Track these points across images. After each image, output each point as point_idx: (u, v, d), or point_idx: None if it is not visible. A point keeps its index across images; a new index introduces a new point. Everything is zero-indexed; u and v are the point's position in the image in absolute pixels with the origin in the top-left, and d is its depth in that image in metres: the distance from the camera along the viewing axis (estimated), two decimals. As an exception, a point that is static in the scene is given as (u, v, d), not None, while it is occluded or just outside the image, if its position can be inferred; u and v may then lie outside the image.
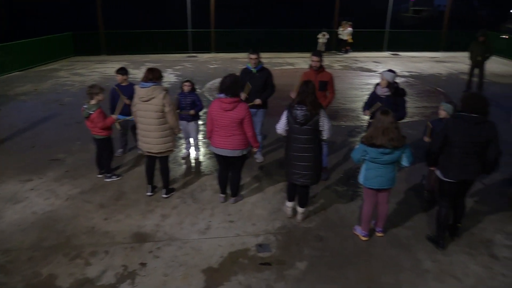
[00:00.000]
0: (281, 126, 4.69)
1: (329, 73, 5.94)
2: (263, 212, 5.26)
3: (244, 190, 5.78)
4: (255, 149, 5.28)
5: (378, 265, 4.30)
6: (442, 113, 5.08)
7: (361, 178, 4.49)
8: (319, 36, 17.88)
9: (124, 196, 5.61)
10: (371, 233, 4.76)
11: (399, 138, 4.14)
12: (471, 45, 11.29)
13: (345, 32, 18.17)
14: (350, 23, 18.18)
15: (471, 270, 4.26)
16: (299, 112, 4.45)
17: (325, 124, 4.53)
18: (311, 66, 5.88)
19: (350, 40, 18.30)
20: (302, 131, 4.52)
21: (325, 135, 4.59)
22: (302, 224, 4.99)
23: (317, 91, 5.77)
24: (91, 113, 5.55)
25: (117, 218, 5.08)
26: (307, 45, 18.02)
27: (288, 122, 4.60)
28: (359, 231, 4.74)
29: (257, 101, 6.03)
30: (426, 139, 5.14)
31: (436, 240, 4.58)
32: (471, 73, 11.49)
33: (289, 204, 5.11)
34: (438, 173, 4.41)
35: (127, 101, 6.10)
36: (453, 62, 16.74)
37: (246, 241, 4.66)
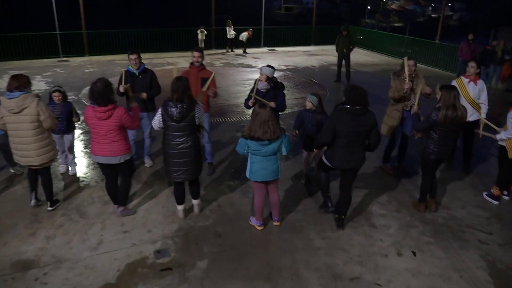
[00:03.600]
0: (156, 123, 4.65)
1: (210, 71, 6.00)
2: (158, 217, 5.13)
3: (136, 197, 5.57)
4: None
5: (275, 251, 4.52)
6: (308, 105, 5.52)
7: (247, 172, 4.63)
8: (198, 32, 17.94)
9: (-3, 223, 4.98)
10: (266, 221, 4.98)
11: (275, 130, 4.31)
12: (336, 38, 12.41)
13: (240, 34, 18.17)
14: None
15: (355, 241, 4.73)
16: (174, 110, 4.43)
17: (201, 118, 4.62)
18: (192, 63, 5.87)
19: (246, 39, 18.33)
20: (179, 128, 4.52)
21: (204, 128, 4.73)
22: (199, 223, 5.00)
23: (200, 88, 5.82)
24: None
25: (-10, 248, 4.49)
26: (186, 43, 17.90)
27: (164, 120, 4.55)
28: (254, 221, 4.92)
29: (144, 95, 5.85)
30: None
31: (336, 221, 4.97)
32: (339, 64, 12.66)
33: (180, 207, 5.07)
34: (325, 161, 4.74)
35: None
36: (323, 55, 18.21)
37: (144, 250, 4.51)
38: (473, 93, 5.95)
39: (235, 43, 18.46)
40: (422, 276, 4.18)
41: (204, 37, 18.06)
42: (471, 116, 5.90)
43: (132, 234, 4.78)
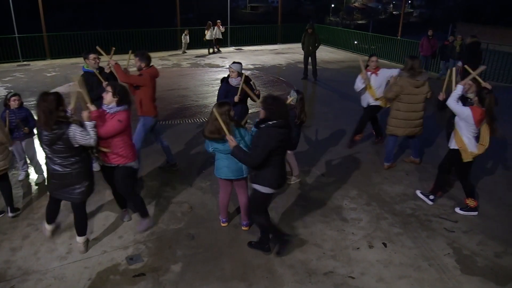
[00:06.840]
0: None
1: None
2: (128, 222, 5.03)
3: (105, 203, 5.43)
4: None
5: (249, 250, 4.52)
6: (288, 99, 5.53)
7: (214, 169, 4.60)
8: (182, 36, 17.79)
9: (-43, 237, 4.74)
10: (239, 220, 4.97)
11: (214, 130, 4.13)
12: (302, 37, 12.54)
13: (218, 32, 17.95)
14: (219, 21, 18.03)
15: (327, 235, 4.80)
16: (44, 134, 3.85)
17: (77, 138, 3.89)
18: None
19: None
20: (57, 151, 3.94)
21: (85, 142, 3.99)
22: (171, 226, 4.94)
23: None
24: None
25: (-49, 264, 4.27)
26: (152, 44, 17.58)
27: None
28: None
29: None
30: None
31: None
32: (306, 62, 12.79)
33: (80, 239, 4.46)
34: (264, 190, 4.13)
35: None
36: (290, 53, 18.35)
37: (115, 256, 4.41)
38: (375, 83, 6.62)
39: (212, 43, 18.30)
40: (393, 267, 4.29)
41: (187, 41, 17.88)
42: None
43: (102, 241, 4.67)
